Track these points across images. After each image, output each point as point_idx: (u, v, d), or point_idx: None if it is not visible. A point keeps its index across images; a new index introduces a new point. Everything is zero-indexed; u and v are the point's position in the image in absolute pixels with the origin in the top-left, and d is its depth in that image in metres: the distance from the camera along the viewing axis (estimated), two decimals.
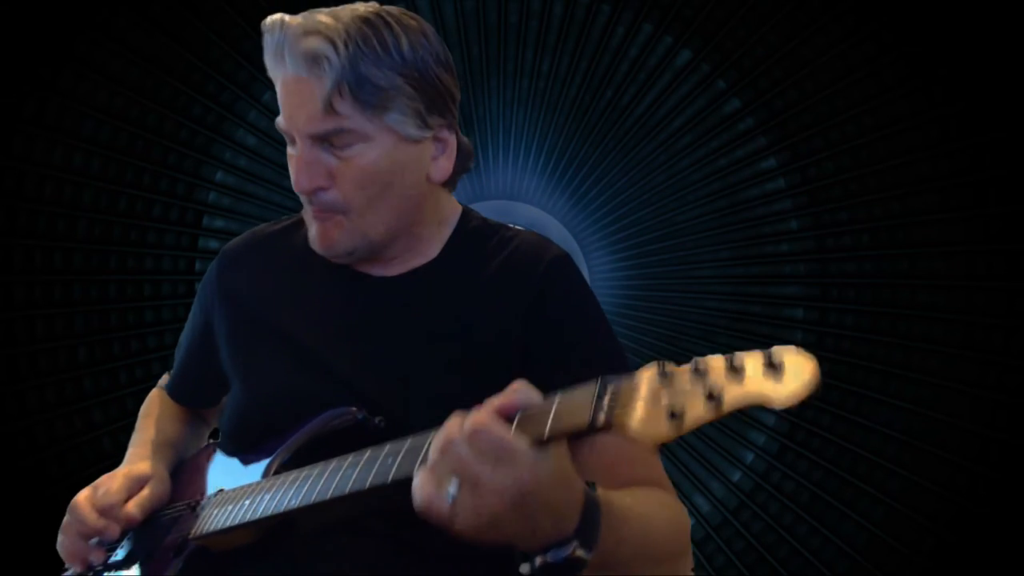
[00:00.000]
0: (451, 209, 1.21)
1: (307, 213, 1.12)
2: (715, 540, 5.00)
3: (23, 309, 4.12)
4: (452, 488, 0.75)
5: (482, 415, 0.77)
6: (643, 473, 1.03)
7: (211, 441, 1.33)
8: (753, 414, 5.05)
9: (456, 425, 0.77)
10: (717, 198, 5.10)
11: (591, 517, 0.80)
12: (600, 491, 0.84)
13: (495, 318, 1.08)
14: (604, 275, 5.68)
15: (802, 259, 4.85)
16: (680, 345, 5.25)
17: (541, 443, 0.75)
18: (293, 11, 1.08)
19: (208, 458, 1.21)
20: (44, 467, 4.16)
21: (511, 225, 1.21)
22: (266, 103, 4.66)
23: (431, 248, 1.17)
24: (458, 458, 0.75)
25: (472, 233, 1.18)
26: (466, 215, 1.22)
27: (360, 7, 1.07)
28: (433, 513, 0.77)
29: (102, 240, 4.38)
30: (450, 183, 1.19)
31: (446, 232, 1.18)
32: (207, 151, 4.67)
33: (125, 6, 4.08)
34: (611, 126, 5.19)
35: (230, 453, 1.16)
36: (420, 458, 0.81)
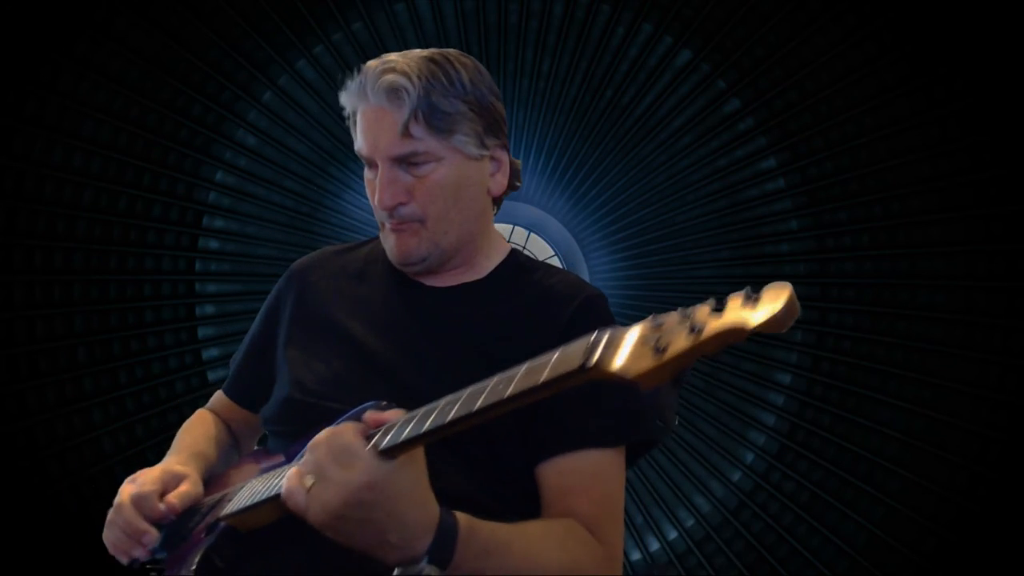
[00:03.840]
0: (501, 242, 1.36)
1: (384, 228, 1.27)
2: (715, 540, 5.00)
3: (23, 309, 4.12)
4: (308, 481, 0.89)
5: (342, 425, 0.92)
6: (587, 510, 1.11)
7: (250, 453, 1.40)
8: (753, 414, 5.05)
9: (325, 432, 0.92)
10: (717, 198, 5.10)
11: (445, 540, 0.91)
12: (467, 520, 0.94)
13: (532, 335, 1.18)
14: (604, 275, 5.69)
15: (802, 259, 4.86)
16: None
17: (386, 453, 0.88)
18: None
19: (242, 466, 1.30)
20: (44, 467, 4.16)
21: (553, 263, 1.32)
22: (266, 103, 4.66)
23: (482, 268, 1.31)
24: (316, 457, 0.90)
25: (519, 265, 1.33)
26: (515, 252, 1.36)
27: (424, 51, 1.26)
28: (292, 503, 0.91)
29: (102, 240, 4.38)
30: (497, 204, 1.35)
31: (496, 259, 1.33)
32: (207, 151, 4.67)
33: (125, 6, 4.08)
34: (611, 126, 5.19)
35: (270, 440, 1.29)
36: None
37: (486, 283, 1.29)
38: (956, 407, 4.25)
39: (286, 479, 0.92)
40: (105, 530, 1.19)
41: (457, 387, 1.07)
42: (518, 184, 1.35)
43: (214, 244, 4.86)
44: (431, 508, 0.92)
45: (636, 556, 5.13)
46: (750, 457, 5.03)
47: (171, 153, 4.54)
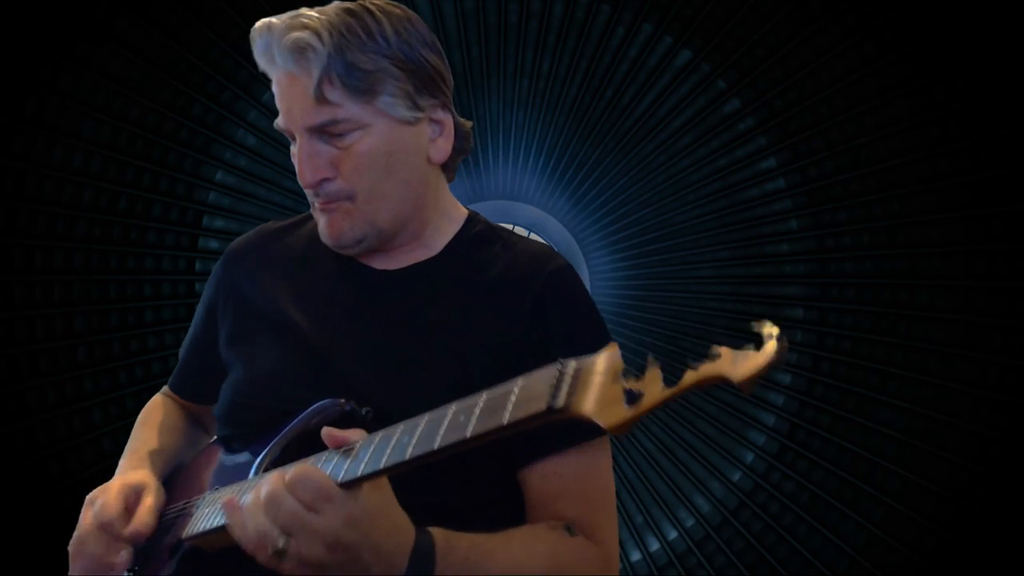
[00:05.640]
0: (455, 208, 1.21)
1: (314, 208, 1.14)
2: (715, 540, 5.00)
3: (23, 309, 4.12)
4: (280, 541, 0.81)
5: (302, 469, 0.83)
6: (578, 512, 1.04)
7: (212, 441, 1.33)
8: (753, 414, 5.05)
9: (279, 479, 0.82)
10: (717, 198, 5.10)
11: (423, 560, 0.86)
12: (443, 535, 0.89)
13: (492, 321, 1.08)
14: (604, 275, 5.68)
15: (802, 259, 4.86)
16: (680, 345, 5.25)
17: (345, 485, 0.80)
18: (292, 9, 1.09)
19: (208, 458, 1.21)
20: (44, 467, 4.16)
21: (516, 231, 1.22)
22: (266, 103, 4.66)
23: (435, 243, 1.17)
24: (285, 511, 0.81)
25: (477, 235, 1.18)
26: (472, 218, 1.22)
27: (343, 2, 1.09)
28: (263, 560, 0.83)
29: (102, 240, 4.38)
30: (450, 169, 1.20)
31: (451, 230, 1.18)
32: (207, 151, 4.67)
33: (125, 6, 4.08)
34: (611, 126, 5.19)
35: (225, 443, 1.18)
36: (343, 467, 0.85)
37: (439, 262, 1.15)
38: (956, 407, 4.25)
39: (248, 542, 0.84)
40: (71, 563, 1.08)
41: (409, 383, 1.02)
42: (468, 147, 1.18)
43: (214, 244, 4.86)
44: (406, 529, 0.87)
45: (636, 556, 5.13)
46: (750, 457, 5.02)
47: (171, 153, 4.54)
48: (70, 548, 1.09)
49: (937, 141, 4.19)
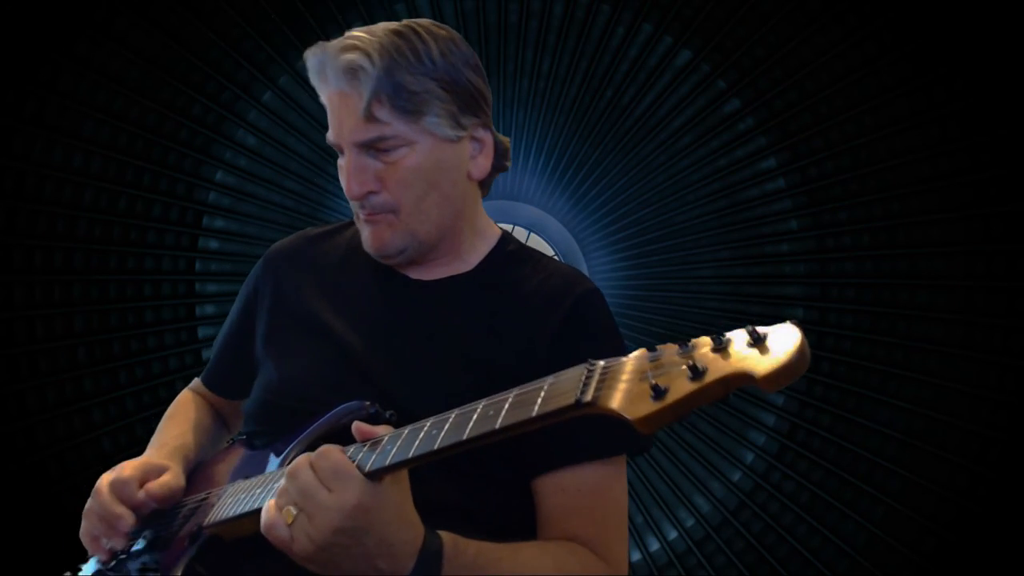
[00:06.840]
0: (490, 227, 1.27)
1: (358, 218, 1.19)
2: (715, 540, 5.00)
3: (23, 309, 4.12)
4: (291, 513, 0.84)
5: (324, 448, 0.86)
6: (589, 531, 1.05)
7: (233, 439, 1.36)
8: (753, 414, 5.05)
9: (305, 457, 0.86)
10: (717, 198, 5.10)
11: (431, 561, 0.87)
12: (451, 539, 0.90)
13: (521, 336, 1.12)
14: (604, 275, 5.68)
15: (802, 259, 4.86)
16: None
17: (371, 475, 0.83)
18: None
19: (230, 454, 1.25)
20: (44, 467, 4.16)
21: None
22: (266, 103, 4.66)
23: (470, 259, 1.22)
24: (300, 484, 0.84)
25: (510, 254, 1.24)
26: (505, 238, 1.27)
27: (392, 24, 1.15)
28: (273, 536, 0.86)
29: (102, 240, 4.38)
30: (486, 186, 1.25)
31: (485, 247, 1.24)
32: (207, 151, 4.67)
33: (125, 6, 4.08)
34: (611, 126, 5.19)
35: (251, 439, 1.22)
36: (394, 448, 0.87)
37: (473, 277, 1.20)
38: (956, 407, 4.25)
39: (264, 511, 0.87)
40: (82, 523, 1.14)
41: (437, 390, 1.06)
42: (507, 164, 1.24)
43: (214, 244, 4.86)
44: (417, 528, 0.88)
45: (636, 556, 5.13)
46: (750, 457, 5.03)
47: (171, 153, 4.54)
48: (85, 508, 1.14)
49: (937, 141, 4.19)
